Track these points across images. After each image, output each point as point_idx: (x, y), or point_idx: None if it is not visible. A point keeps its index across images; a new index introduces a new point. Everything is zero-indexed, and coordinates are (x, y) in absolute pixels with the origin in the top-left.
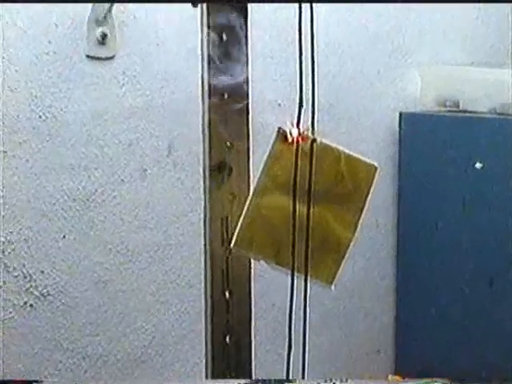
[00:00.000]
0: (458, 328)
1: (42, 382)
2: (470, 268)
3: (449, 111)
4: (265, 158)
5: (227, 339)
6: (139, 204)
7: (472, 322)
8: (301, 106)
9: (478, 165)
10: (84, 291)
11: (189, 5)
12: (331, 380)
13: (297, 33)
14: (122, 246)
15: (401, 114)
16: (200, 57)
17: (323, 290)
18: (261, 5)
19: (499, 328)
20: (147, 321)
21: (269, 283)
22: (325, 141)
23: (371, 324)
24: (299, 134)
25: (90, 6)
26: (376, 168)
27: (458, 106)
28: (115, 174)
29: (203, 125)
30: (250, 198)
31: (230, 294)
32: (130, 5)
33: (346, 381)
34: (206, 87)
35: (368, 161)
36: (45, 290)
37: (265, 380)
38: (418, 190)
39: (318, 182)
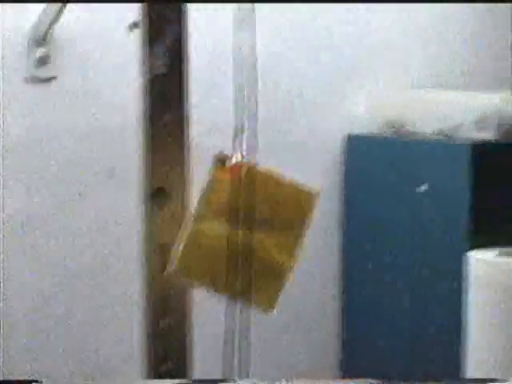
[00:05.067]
0: (404, 348)
1: (41, 382)
2: (416, 287)
3: (395, 133)
4: (203, 184)
5: (166, 366)
6: (80, 227)
7: (416, 342)
8: (239, 131)
9: (423, 187)
10: (24, 315)
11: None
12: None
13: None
14: (63, 270)
15: (348, 136)
16: (140, 81)
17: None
18: (199, 30)
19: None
20: (87, 345)
21: (208, 309)
22: (264, 167)
23: (315, 345)
24: (238, 160)
25: (30, 26)
26: (317, 194)
27: (404, 129)
28: (56, 196)
29: (142, 150)
30: (188, 224)
31: (168, 320)
32: (71, 26)
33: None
34: (145, 111)
35: (308, 187)
36: None
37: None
38: (364, 212)
39: (258, 208)
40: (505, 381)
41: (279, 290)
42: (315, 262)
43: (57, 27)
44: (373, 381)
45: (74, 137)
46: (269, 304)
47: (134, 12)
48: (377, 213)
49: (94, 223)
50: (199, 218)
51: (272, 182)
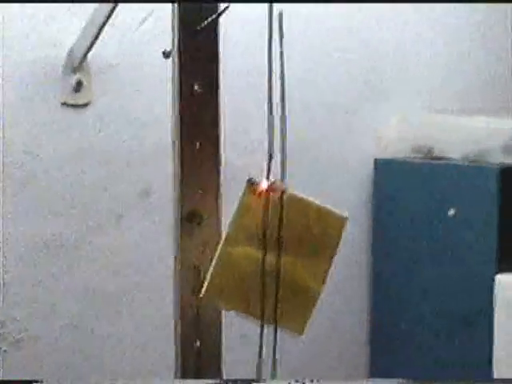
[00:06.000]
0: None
1: (41, 381)
2: (444, 315)
3: (423, 158)
4: (235, 207)
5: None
6: (114, 249)
7: (447, 366)
8: (270, 156)
9: (451, 212)
10: (58, 337)
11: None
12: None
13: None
14: (97, 292)
15: (376, 161)
16: (171, 103)
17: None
18: (231, 54)
19: None
20: (122, 366)
21: (239, 333)
22: (295, 192)
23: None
24: (269, 185)
25: (65, 52)
26: (346, 219)
27: (432, 153)
28: (91, 219)
29: (174, 172)
30: (219, 247)
31: (200, 342)
32: (106, 51)
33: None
34: (178, 133)
35: (338, 212)
36: (19, 336)
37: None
38: (392, 238)
39: (288, 233)
40: None
41: (308, 315)
42: (344, 285)
43: (91, 54)
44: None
45: (109, 160)
46: (298, 329)
47: (167, 37)
48: (405, 237)
49: (130, 246)
50: (230, 241)
51: (302, 207)
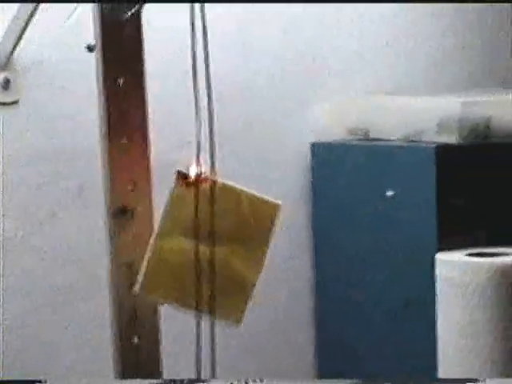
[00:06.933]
0: (379, 353)
1: (45, 381)
2: (386, 294)
3: (359, 140)
4: (166, 200)
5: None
6: (51, 248)
7: (390, 348)
8: (199, 146)
9: (389, 193)
10: None
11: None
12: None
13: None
14: (36, 291)
15: (312, 145)
16: (99, 98)
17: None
18: (156, 47)
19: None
20: (63, 366)
21: (178, 326)
22: (225, 181)
23: (290, 358)
24: (199, 176)
25: None
26: (279, 206)
27: (368, 135)
28: (25, 218)
29: (103, 167)
30: (152, 241)
31: (138, 338)
32: (33, 49)
33: (262, 381)
34: (105, 128)
35: (270, 199)
36: None
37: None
38: (332, 220)
39: (221, 223)
40: (482, 381)
41: (245, 304)
42: (286, 271)
43: (17, 51)
44: (352, 381)
45: (41, 158)
46: (235, 318)
47: (92, 31)
48: (345, 220)
49: (66, 243)
50: (163, 234)
51: (233, 196)
